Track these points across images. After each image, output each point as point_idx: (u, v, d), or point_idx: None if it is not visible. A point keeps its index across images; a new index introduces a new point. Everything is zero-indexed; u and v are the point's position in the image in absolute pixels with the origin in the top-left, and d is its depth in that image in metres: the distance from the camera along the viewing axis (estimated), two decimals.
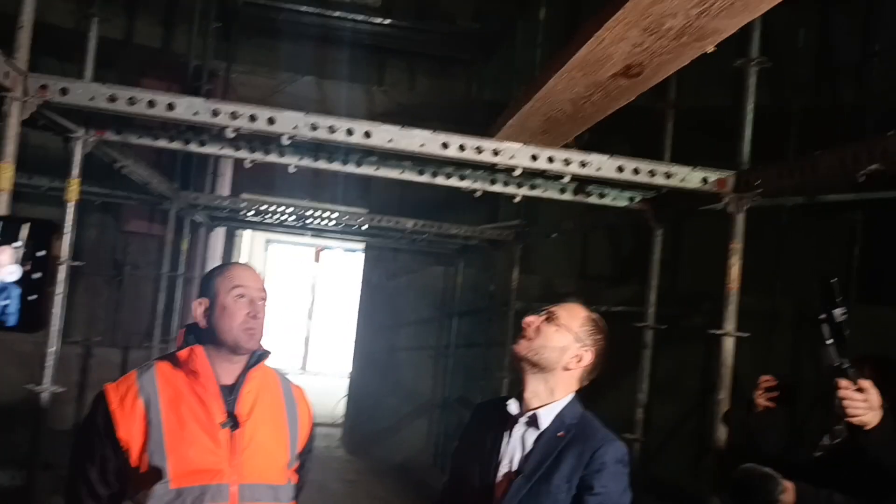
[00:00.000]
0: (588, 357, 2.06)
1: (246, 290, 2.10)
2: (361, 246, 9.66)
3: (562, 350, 2.03)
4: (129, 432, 1.98)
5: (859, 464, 2.52)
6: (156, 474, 1.94)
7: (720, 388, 3.54)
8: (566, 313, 2.06)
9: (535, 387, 2.04)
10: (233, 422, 2.04)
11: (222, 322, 2.07)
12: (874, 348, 3.34)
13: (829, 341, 2.37)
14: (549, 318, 2.05)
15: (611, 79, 2.82)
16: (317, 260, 14.15)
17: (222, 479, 1.99)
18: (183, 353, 2.06)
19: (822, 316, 2.38)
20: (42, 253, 1.05)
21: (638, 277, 4.71)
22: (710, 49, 2.45)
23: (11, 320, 1.03)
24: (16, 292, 1.04)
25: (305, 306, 15.94)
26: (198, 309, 2.11)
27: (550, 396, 2.04)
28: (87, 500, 2.04)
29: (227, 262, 2.18)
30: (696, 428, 6.71)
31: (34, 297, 1.04)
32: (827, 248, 6.62)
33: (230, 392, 2.08)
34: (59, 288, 3.70)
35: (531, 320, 2.07)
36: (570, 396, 2.07)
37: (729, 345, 3.53)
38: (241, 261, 12.80)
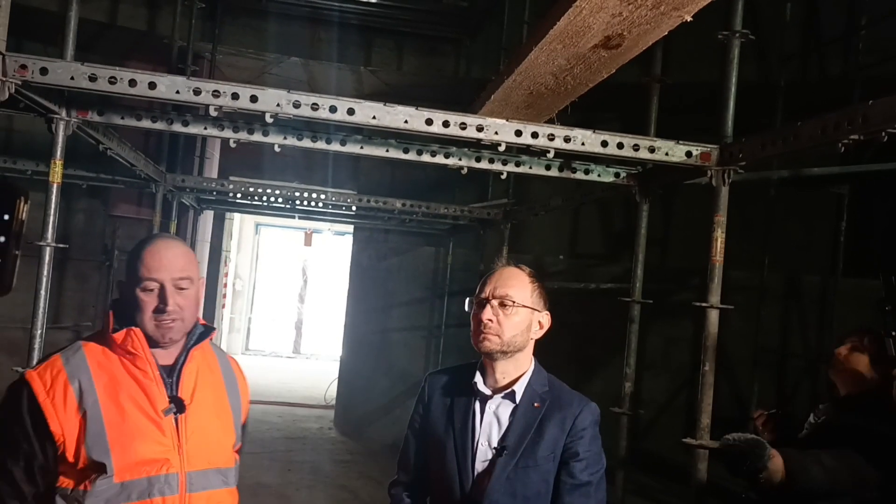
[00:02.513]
0: (546, 318, 2.05)
1: (153, 283, 1.86)
2: (351, 229, 9.65)
3: (527, 328, 2.02)
4: (63, 425, 1.77)
5: (841, 440, 2.57)
6: (97, 468, 1.77)
7: (705, 360, 3.56)
8: (515, 290, 2.00)
9: (504, 367, 2.03)
10: (177, 406, 1.87)
11: (135, 315, 1.87)
12: (860, 321, 3.37)
13: (893, 333, 2.39)
14: (504, 304, 1.99)
15: (591, 50, 2.82)
16: (307, 243, 14.12)
17: (170, 469, 1.83)
18: (119, 336, 1.86)
19: (888, 307, 2.41)
20: (7, 217, 1.06)
21: (629, 255, 4.74)
22: (688, 18, 2.45)
23: None
24: None
25: (297, 290, 15.96)
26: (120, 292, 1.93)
27: (518, 370, 2.04)
28: (10, 501, 1.82)
29: (151, 235, 2.00)
30: (686, 402, 6.78)
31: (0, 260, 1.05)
32: (814, 222, 6.67)
33: (170, 373, 1.91)
34: (45, 271, 3.69)
35: (489, 316, 1.97)
36: (533, 363, 2.07)
37: (713, 317, 3.55)
38: (233, 242, 12.74)
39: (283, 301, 15.71)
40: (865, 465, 2.48)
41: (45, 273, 3.69)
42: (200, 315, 2.03)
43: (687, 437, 3.60)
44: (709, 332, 3.56)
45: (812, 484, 2.48)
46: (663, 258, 7.10)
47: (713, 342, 3.56)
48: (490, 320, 1.98)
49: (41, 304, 3.68)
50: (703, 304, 3.57)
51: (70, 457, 1.77)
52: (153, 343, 1.89)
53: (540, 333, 2.05)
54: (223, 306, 12.79)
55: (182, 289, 1.89)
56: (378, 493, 6.56)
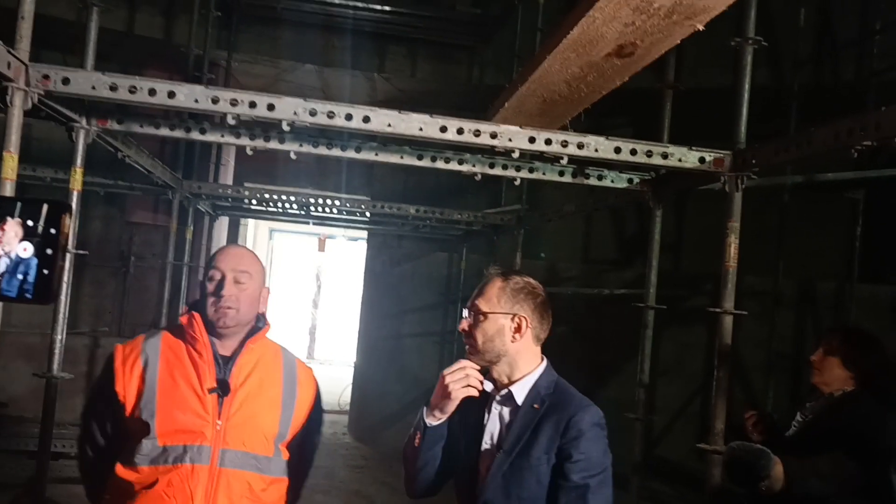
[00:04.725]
0: (525, 321, 2.04)
1: (216, 272, 2.15)
2: (365, 234, 9.69)
3: (498, 334, 2.03)
4: (126, 387, 2.09)
5: (829, 438, 2.60)
6: (144, 429, 2.04)
7: (719, 366, 3.57)
8: (482, 300, 2.05)
9: (499, 370, 2.06)
10: (223, 389, 2.11)
11: (201, 303, 2.16)
12: (874, 325, 3.37)
13: None
14: (473, 315, 2.06)
15: (605, 59, 2.84)
16: (321, 249, 14.18)
17: (204, 441, 2.06)
18: (184, 319, 2.15)
19: None
20: (54, 231, 1.13)
21: (642, 261, 4.75)
22: (700, 27, 2.47)
23: (30, 293, 1.11)
24: (33, 267, 1.12)
25: (311, 295, 16.02)
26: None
27: (517, 372, 2.05)
28: (88, 449, 2.20)
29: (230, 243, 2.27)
30: (700, 408, 6.77)
31: (47, 271, 1.11)
32: (829, 227, 6.65)
33: (227, 362, 2.15)
34: (65, 277, 3.76)
35: (463, 326, 2.07)
36: (542, 366, 2.08)
37: (727, 322, 3.56)
38: (237, 245, 12.87)
39: (296, 306, 15.76)
40: (854, 467, 2.51)
41: (65, 279, 3.75)
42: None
43: (701, 443, 3.61)
44: (722, 337, 3.57)
45: (809, 491, 2.52)
46: (677, 264, 7.10)
47: (727, 348, 3.57)
48: (464, 330, 2.07)
49: (61, 310, 3.74)
50: (717, 310, 3.58)
51: (128, 416, 2.09)
52: (213, 333, 2.15)
53: (520, 336, 2.04)
54: None
55: (240, 282, 2.15)
56: (393, 499, 6.59)
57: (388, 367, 8.57)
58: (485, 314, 2.03)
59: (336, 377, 12.21)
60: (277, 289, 15.87)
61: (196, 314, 2.14)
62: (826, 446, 2.58)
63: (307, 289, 15.99)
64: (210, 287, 2.14)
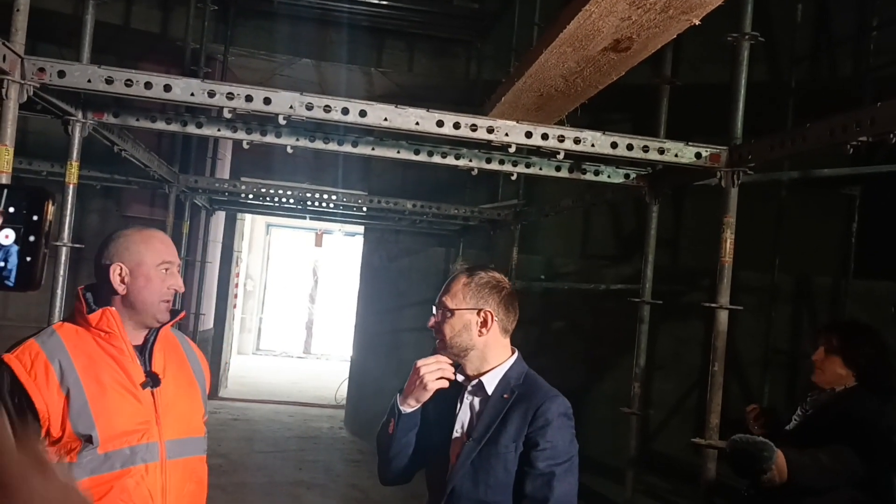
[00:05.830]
0: (490, 315, 2.08)
1: (170, 265, 2.09)
2: (362, 229, 9.69)
3: (465, 329, 2.07)
4: (47, 402, 1.88)
5: (828, 432, 2.62)
6: (82, 441, 1.90)
7: (714, 360, 3.58)
8: (448, 297, 2.10)
9: (470, 364, 2.11)
10: (152, 380, 2.04)
11: (144, 293, 2.04)
12: (870, 321, 3.38)
13: None
14: (440, 311, 2.10)
15: (601, 53, 2.84)
16: (318, 244, 14.17)
17: (151, 438, 1.99)
18: (94, 316, 2.00)
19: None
20: (36, 218, 1.12)
21: (640, 256, 4.76)
22: (697, 22, 2.47)
23: (10, 280, 1.10)
24: (14, 254, 1.11)
25: (307, 290, 16.01)
26: (114, 273, 2.03)
27: (487, 364, 2.10)
28: None
29: (141, 226, 2.10)
30: (696, 403, 6.78)
31: (30, 258, 1.11)
32: (826, 223, 6.66)
33: (141, 351, 2.07)
34: (61, 270, 3.75)
35: (432, 323, 2.12)
36: (512, 357, 2.12)
37: (723, 317, 3.57)
38: (244, 243, 12.84)
39: (293, 301, 15.76)
40: (856, 461, 2.53)
41: (62, 272, 3.75)
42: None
43: (697, 437, 3.62)
44: (718, 332, 3.58)
45: (810, 482, 2.54)
46: (675, 259, 7.10)
47: (722, 343, 3.58)
48: (432, 326, 2.11)
49: (58, 303, 3.73)
50: (713, 305, 3.59)
51: (54, 433, 1.89)
52: (144, 323, 2.07)
53: (487, 331, 2.08)
54: (234, 306, 12.85)
55: (179, 270, 2.15)
56: (389, 493, 6.59)
57: (385, 361, 8.57)
58: (451, 311, 2.07)
59: (333, 372, 12.24)
60: (275, 284, 15.88)
61: (111, 310, 2.01)
62: (826, 440, 2.60)
63: (304, 284, 15.98)
64: (164, 278, 2.06)
